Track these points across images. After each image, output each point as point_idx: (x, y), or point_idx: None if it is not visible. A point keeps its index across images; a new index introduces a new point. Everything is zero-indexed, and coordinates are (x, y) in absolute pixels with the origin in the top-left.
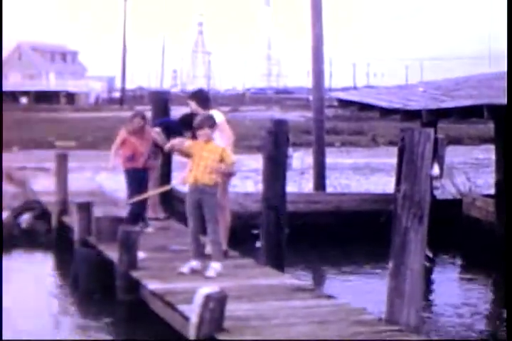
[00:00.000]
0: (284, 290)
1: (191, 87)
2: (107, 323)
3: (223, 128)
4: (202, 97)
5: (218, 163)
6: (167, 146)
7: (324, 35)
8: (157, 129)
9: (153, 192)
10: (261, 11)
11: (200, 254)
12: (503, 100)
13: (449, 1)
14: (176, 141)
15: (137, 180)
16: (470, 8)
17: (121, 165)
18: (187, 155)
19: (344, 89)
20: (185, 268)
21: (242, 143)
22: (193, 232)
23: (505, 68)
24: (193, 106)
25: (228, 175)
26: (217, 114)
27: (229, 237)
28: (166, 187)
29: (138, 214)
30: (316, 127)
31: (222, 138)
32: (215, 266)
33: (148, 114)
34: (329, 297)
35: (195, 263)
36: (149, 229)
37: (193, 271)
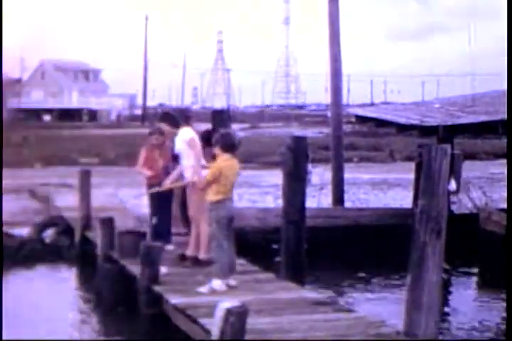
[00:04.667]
0: (304, 304)
1: (211, 104)
2: (130, 337)
3: (193, 144)
4: (170, 118)
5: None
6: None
7: (342, 52)
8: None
9: (167, 186)
10: (279, 29)
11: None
12: None
13: (464, 18)
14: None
15: (156, 197)
16: (485, 25)
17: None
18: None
19: (361, 106)
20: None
21: (262, 159)
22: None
23: None
24: (164, 128)
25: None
26: (188, 131)
27: (249, 252)
28: (181, 183)
29: (162, 230)
30: (335, 143)
31: (189, 156)
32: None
33: None
34: (349, 310)
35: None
36: (169, 247)
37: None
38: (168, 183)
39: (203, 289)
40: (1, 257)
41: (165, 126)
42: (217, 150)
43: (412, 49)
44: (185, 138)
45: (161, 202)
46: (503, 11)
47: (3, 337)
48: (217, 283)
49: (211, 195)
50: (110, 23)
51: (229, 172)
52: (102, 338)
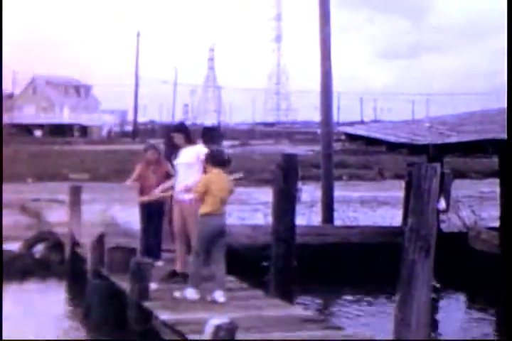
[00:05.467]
0: (293, 322)
1: (202, 121)
2: None
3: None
4: (186, 130)
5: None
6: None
7: (333, 70)
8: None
9: (153, 196)
10: (271, 46)
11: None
12: (507, 135)
13: (455, 37)
14: None
15: (147, 213)
16: (475, 45)
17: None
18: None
19: (352, 124)
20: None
21: (252, 177)
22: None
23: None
24: (178, 138)
25: None
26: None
27: (238, 269)
28: (168, 193)
29: (152, 246)
30: (325, 161)
31: (198, 171)
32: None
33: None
34: (337, 328)
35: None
36: (159, 263)
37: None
38: (157, 192)
39: (177, 294)
40: (1, 265)
41: (179, 137)
42: (207, 165)
43: (402, 67)
44: (202, 152)
45: (151, 217)
46: (494, 30)
47: (3, 337)
48: (188, 292)
49: (200, 209)
50: (101, 38)
51: (218, 186)
52: None
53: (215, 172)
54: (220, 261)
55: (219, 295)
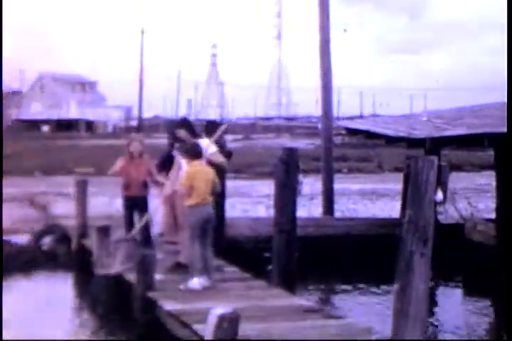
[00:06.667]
0: (295, 311)
1: (205, 116)
2: None
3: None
4: (189, 125)
5: None
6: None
7: (332, 65)
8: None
9: (166, 192)
10: (272, 43)
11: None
12: (502, 129)
13: (454, 33)
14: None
15: (128, 208)
16: (473, 41)
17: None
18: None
19: (351, 118)
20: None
21: (255, 170)
22: None
23: (504, 99)
24: (182, 134)
25: None
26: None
27: (241, 260)
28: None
29: (147, 235)
30: (325, 154)
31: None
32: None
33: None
34: (338, 317)
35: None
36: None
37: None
38: (168, 188)
39: (181, 286)
40: (1, 259)
41: (183, 133)
42: (187, 159)
43: (401, 63)
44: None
45: (128, 212)
46: (492, 27)
47: (3, 337)
48: (192, 282)
49: (187, 201)
50: (106, 36)
51: (201, 177)
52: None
53: (196, 164)
54: (208, 248)
55: (204, 280)
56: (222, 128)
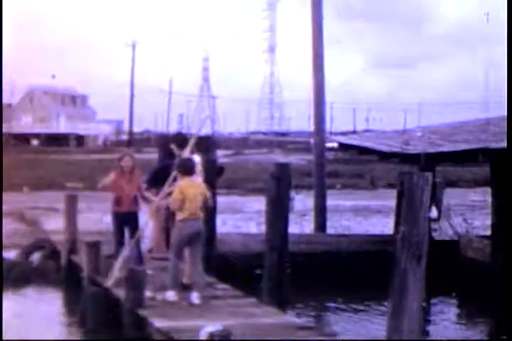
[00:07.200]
0: (286, 329)
1: (196, 130)
2: None
3: None
4: (180, 139)
5: None
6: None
7: (326, 79)
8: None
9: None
10: (264, 57)
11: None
12: (498, 144)
13: (450, 47)
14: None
15: (119, 224)
16: (469, 54)
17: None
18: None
19: (344, 133)
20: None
21: (246, 186)
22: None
23: (502, 113)
24: (174, 149)
25: None
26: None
27: (232, 277)
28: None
29: (138, 251)
30: (317, 170)
31: None
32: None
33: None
34: (329, 335)
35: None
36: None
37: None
38: (158, 200)
39: (159, 296)
40: (1, 265)
41: (174, 148)
42: (178, 174)
43: (395, 77)
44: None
45: (118, 229)
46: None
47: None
48: (168, 294)
49: (178, 215)
50: (97, 48)
51: (192, 192)
52: None
53: (187, 180)
54: (197, 263)
55: (195, 297)
56: (193, 141)
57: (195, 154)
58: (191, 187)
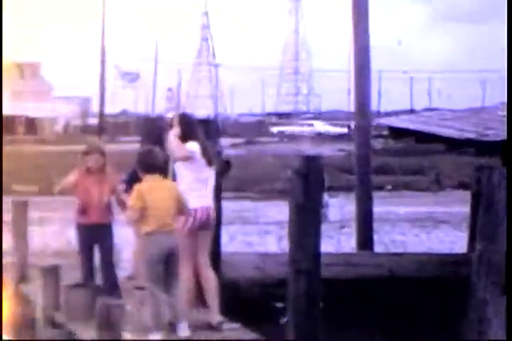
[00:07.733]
0: None
1: (192, 111)
2: None
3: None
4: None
5: None
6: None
7: (370, 40)
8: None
9: None
10: (286, 7)
11: None
12: None
13: None
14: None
15: (86, 241)
16: None
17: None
18: None
19: (398, 113)
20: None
21: (261, 187)
22: None
23: None
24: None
25: None
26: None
27: (243, 312)
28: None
29: (115, 280)
30: (360, 165)
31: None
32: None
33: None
34: None
35: None
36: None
37: None
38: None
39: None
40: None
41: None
42: (139, 170)
43: (467, 34)
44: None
45: (85, 246)
46: None
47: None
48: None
49: (142, 227)
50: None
51: (156, 195)
52: None
53: (149, 180)
54: (177, 288)
55: (183, 329)
56: (176, 120)
57: (193, 141)
58: (156, 190)
